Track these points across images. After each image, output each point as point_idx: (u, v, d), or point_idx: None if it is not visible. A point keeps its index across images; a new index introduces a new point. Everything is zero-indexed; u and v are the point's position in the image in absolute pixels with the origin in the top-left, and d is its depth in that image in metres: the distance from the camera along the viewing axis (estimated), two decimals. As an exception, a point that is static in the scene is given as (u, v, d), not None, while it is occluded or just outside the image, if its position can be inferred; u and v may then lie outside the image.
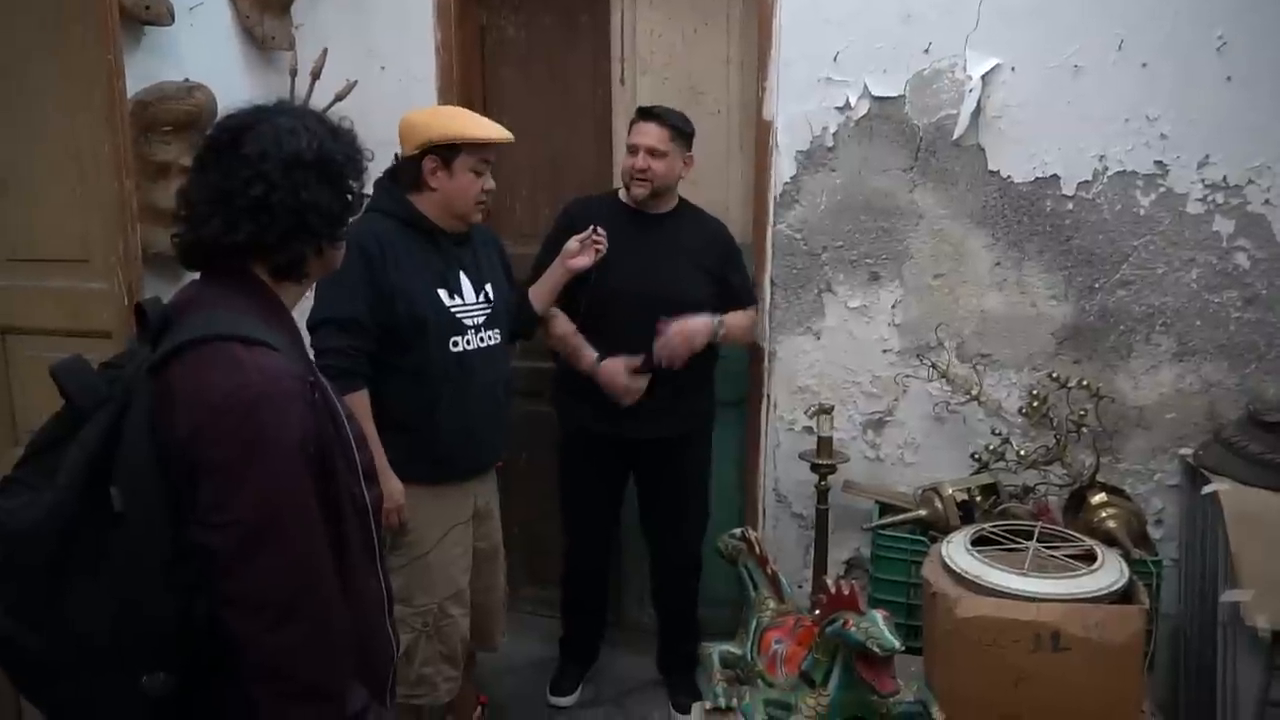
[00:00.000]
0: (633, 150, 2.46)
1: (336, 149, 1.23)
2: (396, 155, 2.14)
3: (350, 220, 1.28)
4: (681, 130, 2.47)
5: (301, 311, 1.39)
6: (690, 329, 2.42)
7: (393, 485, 2.05)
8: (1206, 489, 2.18)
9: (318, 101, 2.57)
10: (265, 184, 1.16)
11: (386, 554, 2.07)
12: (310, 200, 1.18)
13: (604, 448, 2.59)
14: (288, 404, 1.10)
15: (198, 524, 1.07)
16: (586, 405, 2.55)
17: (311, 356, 1.38)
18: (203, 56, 2.55)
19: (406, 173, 2.11)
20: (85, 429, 1.10)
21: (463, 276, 2.17)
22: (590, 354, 2.48)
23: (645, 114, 2.48)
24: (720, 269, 2.55)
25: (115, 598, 1.06)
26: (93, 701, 1.11)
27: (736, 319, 2.55)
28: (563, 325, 2.51)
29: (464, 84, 2.94)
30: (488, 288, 2.22)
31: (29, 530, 1.07)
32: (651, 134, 2.44)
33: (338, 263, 1.32)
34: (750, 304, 2.62)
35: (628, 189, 2.51)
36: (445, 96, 2.89)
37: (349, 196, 1.25)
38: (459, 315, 2.13)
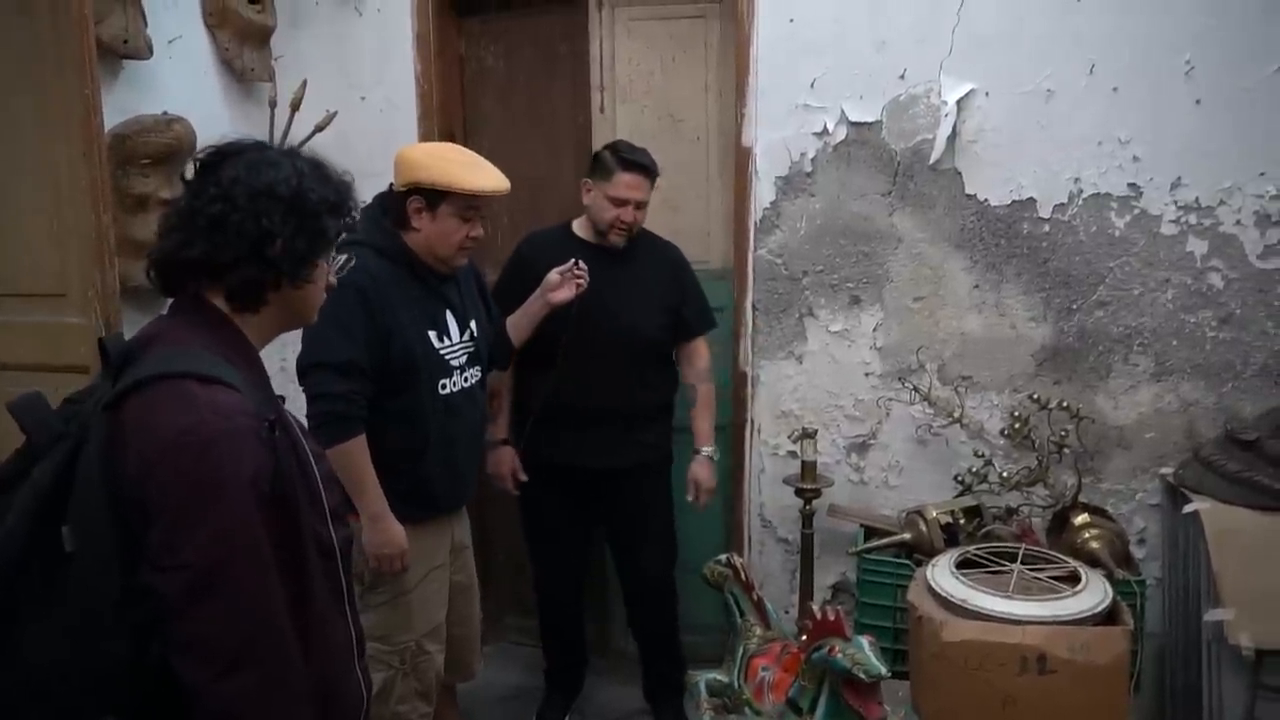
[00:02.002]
0: (621, 203, 2.41)
1: (317, 190, 1.21)
2: (392, 185, 2.11)
3: (316, 264, 1.24)
4: (656, 174, 2.49)
5: (278, 347, 1.36)
6: (706, 482, 2.60)
7: (394, 531, 2.02)
8: (1187, 508, 2.19)
9: (298, 132, 2.57)
10: (226, 204, 1.15)
11: (366, 592, 2.07)
12: (270, 229, 1.16)
13: (564, 479, 2.58)
14: (242, 443, 1.08)
15: (148, 566, 1.04)
16: (545, 437, 2.54)
17: (281, 396, 1.33)
18: (182, 89, 2.56)
19: (393, 207, 2.07)
20: (38, 467, 1.08)
21: (449, 316, 2.14)
22: (499, 431, 2.58)
23: (635, 166, 2.41)
24: (677, 301, 2.56)
25: (66, 639, 1.04)
26: None
27: (704, 420, 2.61)
28: (495, 383, 2.53)
29: (444, 113, 2.95)
30: (471, 325, 2.20)
31: None
32: (643, 188, 2.43)
33: (308, 309, 1.28)
34: (703, 331, 2.62)
35: (602, 234, 2.47)
36: (425, 126, 2.90)
37: (319, 241, 1.22)
38: (447, 357, 2.11)
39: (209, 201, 1.16)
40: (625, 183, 2.41)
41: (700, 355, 2.61)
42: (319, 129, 2.63)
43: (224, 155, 1.20)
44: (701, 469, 2.58)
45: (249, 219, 1.15)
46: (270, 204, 1.16)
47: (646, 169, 2.43)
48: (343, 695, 1.25)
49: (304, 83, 2.66)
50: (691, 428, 2.61)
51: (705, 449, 2.60)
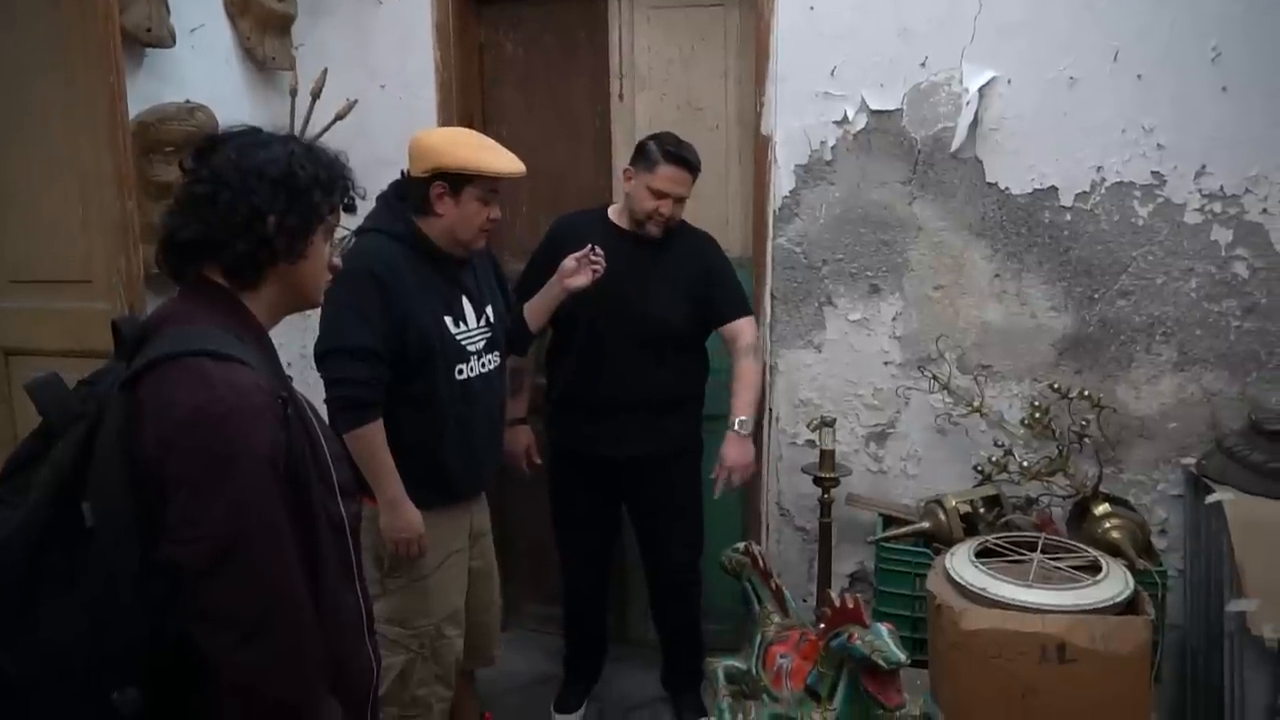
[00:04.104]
0: (661, 195, 2.41)
1: (307, 169, 1.23)
2: (403, 172, 2.12)
3: (310, 240, 1.26)
4: (699, 169, 2.47)
5: (284, 332, 1.37)
6: (738, 462, 2.44)
7: (411, 516, 2.04)
8: (1210, 499, 2.17)
9: (318, 121, 2.59)
10: (216, 183, 1.18)
11: (384, 576, 2.09)
12: (259, 206, 1.18)
13: (591, 467, 2.59)
14: (257, 419, 1.10)
15: (167, 540, 1.07)
16: (572, 424, 2.56)
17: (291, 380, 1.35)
18: (204, 78, 2.57)
19: (413, 194, 2.08)
20: (57, 446, 1.11)
21: (465, 301, 2.15)
22: (517, 410, 2.58)
23: (679, 161, 2.40)
24: (705, 290, 2.53)
25: (86, 614, 1.06)
26: (64, 717, 1.11)
27: (742, 392, 2.48)
28: (517, 363, 2.51)
29: (463, 102, 2.96)
30: (488, 311, 2.21)
31: None
32: (685, 183, 2.43)
33: (308, 286, 1.29)
34: (738, 314, 2.55)
35: (639, 224, 2.47)
36: (444, 114, 2.90)
37: (310, 217, 1.24)
38: (463, 342, 2.12)
39: (201, 183, 1.19)
40: (667, 176, 2.40)
41: (742, 334, 2.52)
42: (339, 117, 2.64)
43: (218, 141, 1.23)
44: (730, 446, 2.44)
45: (239, 197, 1.18)
46: (259, 182, 1.19)
47: (690, 164, 2.42)
48: (354, 667, 1.27)
49: (324, 71, 2.67)
50: (730, 404, 2.50)
51: (738, 419, 2.45)
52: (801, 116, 2.62)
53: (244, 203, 1.18)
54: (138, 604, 1.06)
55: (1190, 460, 2.40)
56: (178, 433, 1.08)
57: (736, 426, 2.47)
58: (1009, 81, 2.45)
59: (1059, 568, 2.00)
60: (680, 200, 2.45)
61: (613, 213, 2.57)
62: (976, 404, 2.54)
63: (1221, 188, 2.33)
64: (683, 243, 2.55)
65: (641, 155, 2.44)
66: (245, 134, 1.25)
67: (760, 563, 2.19)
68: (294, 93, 2.66)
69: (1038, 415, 2.45)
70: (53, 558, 1.08)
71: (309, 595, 1.14)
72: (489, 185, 2.07)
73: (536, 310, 2.41)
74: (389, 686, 2.09)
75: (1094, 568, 1.99)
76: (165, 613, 1.07)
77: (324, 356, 2.01)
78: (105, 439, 1.09)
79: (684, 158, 2.41)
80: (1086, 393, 2.39)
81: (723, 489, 2.49)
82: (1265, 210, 2.32)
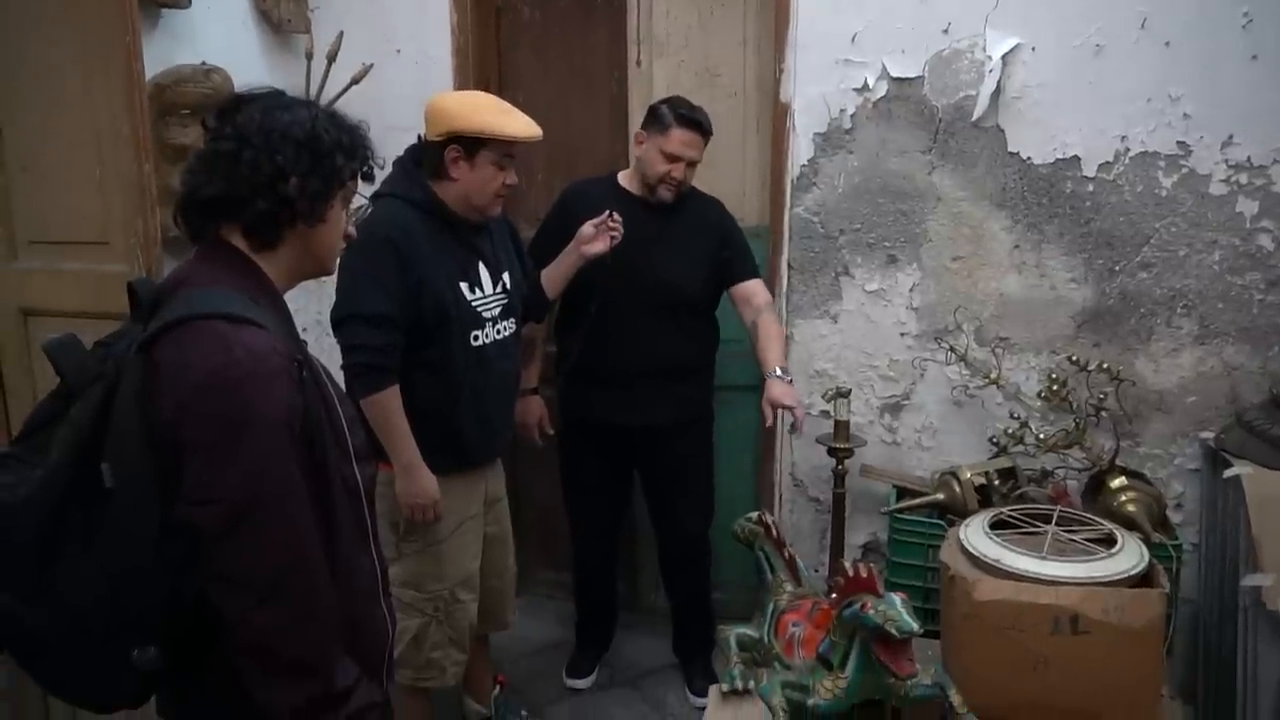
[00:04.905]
0: (674, 159, 2.39)
1: (331, 132, 1.22)
2: (419, 136, 2.11)
3: (330, 204, 1.26)
4: (710, 134, 2.45)
5: (301, 297, 1.37)
6: (785, 398, 2.32)
7: (426, 481, 2.05)
8: (1228, 472, 2.16)
9: (333, 85, 2.57)
10: (239, 141, 1.18)
11: (400, 541, 2.10)
12: (283, 166, 1.18)
13: (602, 435, 2.59)
14: (273, 382, 1.10)
15: (184, 501, 1.07)
16: (584, 393, 2.56)
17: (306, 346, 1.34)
18: (220, 39, 2.56)
19: (428, 158, 2.07)
20: (75, 407, 1.11)
21: (482, 268, 2.14)
22: (529, 380, 2.56)
23: (691, 124, 2.37)
24: (719, 253, 2.51)
25: (105, 573, 1.08)
26: (85, 674, 1.12)
27: (773, 347, 2.42)
28: (530, 333, 2.49)
29: (480, 66, 2.93)
30: (504, 278, 2.20)
31: (19, 506, 1.08)
32: (697, 147, 2.41)
33: (324, 251, 1.29)
34: (751, 276, 2.53)
35: (650, 188, 2.45)
36: (461, 78, 2.88)
37: (332, 180, 1.24)
38: (479, 308, 2.11)
39: (225, 140, 1.19)
40: (680, 139, 2.38)
41: (757, 294, 2.50)
42: (355, 81, 2.62)
43: (242, 100, 1.23)
44: (776, 386, 2.33)
45: (263, 155, 1.17)
46: (284, 143, 1.19)
47: (702, 127, 2.40)
48: (369, 629, 1.28)
49: (340, 35, 2.65)
50: (758, 358, 2.43)
51: (777, 366, 2.37)
52: (821, 84, 2.58)
53: (268, 161, 1.17)
54: (156, 565, 1.07)
55: (1208, 434, 2.38)
56: (194, 397, 1.08)
57: (779, 373, 2.37)
58: (1033, 49, 2.40)
59: (1073, 540, 1.99)
60: (692, 164, 2.43)
61: (623, 178, 2.55)
62: (993, 376, 2.52)
63: (1249, 158, 2.30)
64: (693, 207, 2.54)
65: (654, 118, 2.43)
66: (269, 95, 1.24)
67: (773, 532, 2.18)
68: (310, 56, 2.65)
69: (1055, 388, 2.44)
70: (72, 517, 1.09)
71: (324, 558, 1.15)
72: (504, 149, 2.05)
73: (553, 277, 2.40)
74: (404, 649, 2.11)
75: (1109, 540, 1.98)
76: (184, 573, 1.08)
77: (340, 322, 2.02)
78: (123, 402, 1.09)
79: (696, 120, 2.39)
80: (1105, 365, 2.37)
81: (776, 421, 2.42)
82: (1292, 182, 2.28)
